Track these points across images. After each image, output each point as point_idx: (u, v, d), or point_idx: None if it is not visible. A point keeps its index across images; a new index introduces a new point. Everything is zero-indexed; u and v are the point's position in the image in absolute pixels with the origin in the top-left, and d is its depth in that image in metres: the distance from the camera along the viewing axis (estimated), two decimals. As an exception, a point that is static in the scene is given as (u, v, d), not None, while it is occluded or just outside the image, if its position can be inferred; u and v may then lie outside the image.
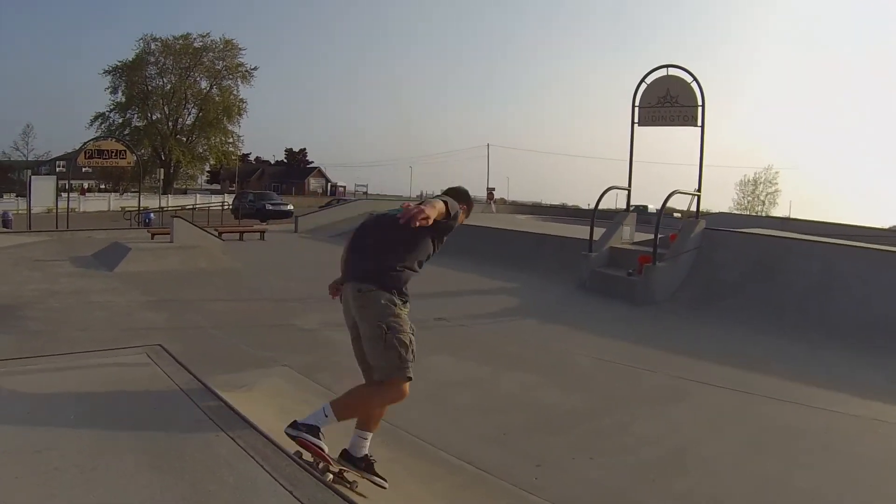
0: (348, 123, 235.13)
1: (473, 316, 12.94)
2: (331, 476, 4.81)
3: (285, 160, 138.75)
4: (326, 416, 4.93)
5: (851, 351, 11.35)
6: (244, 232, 27.21)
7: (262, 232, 27.55)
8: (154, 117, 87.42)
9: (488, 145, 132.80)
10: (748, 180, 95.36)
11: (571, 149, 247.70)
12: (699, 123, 18.75)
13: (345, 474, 5.00)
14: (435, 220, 4.70)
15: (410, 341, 5.04)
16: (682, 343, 11.63)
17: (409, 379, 5.03)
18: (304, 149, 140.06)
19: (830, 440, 7.28)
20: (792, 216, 53.81)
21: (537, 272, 18.55)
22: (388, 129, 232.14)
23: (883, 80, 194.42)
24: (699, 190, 18.37)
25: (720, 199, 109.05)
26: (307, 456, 4.85)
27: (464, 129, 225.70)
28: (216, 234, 23.74)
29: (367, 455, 5.10)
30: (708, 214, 30.16)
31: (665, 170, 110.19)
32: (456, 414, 7.45)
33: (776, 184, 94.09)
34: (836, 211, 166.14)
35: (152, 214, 43.22)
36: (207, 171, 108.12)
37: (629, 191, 19.89)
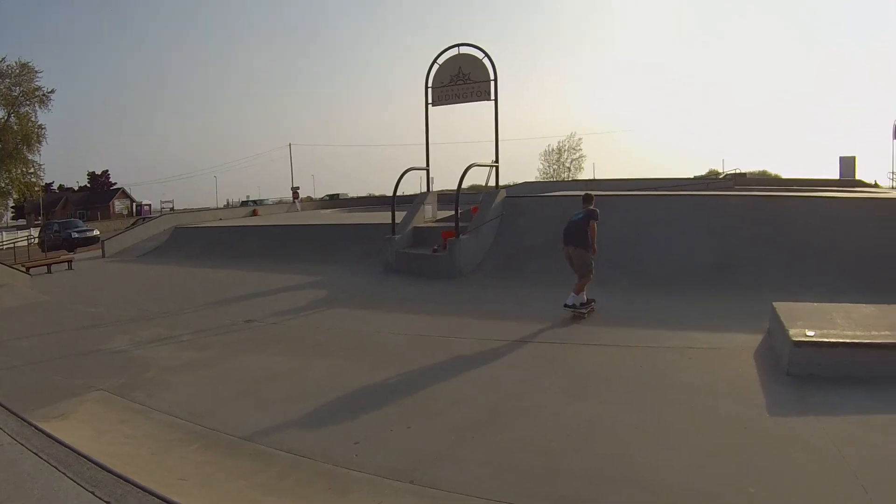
0: (150, 139, 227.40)
1: (283, 313, 13.08)
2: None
3: (88, 185, 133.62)
4: (575, 294, 11.20)
5: (659, 294, 12.33)
6: (51, 264, 26.30)
7: (69, 261, 26.68)
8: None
9: (290, 145, 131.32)
10: (552, 149, 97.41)
11: (375, 139, 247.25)
12: (492, 97, 19.41)
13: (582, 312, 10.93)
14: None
15: (592, 263, 11.36)
16: (490, 309, 12.21)
17: (591, 274, 11.36)
18: (107, 170, 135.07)
19: (647, 374, 7.87)
20: (597, 178, 55.68)
21: (343, 262, 18.97)
22: (191, 141, 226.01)
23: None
24: (497, 161, 18.93)
25: (525, 171, 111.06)
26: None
27: (266, 131, 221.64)
28: (24, 269, 22.94)
29: (584, 301, 11.31)
30: (511, 186, 30.97)
31: (460, 148, 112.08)
32: (269, 407, 7.59)
33: (580, 150, 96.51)
34: (655, 168, 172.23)
35: (-44, 258, 41.21)
36: (11, 207, 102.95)
37: (427, 170, 20.38)
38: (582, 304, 11.16)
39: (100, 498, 4.28)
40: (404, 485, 5.38)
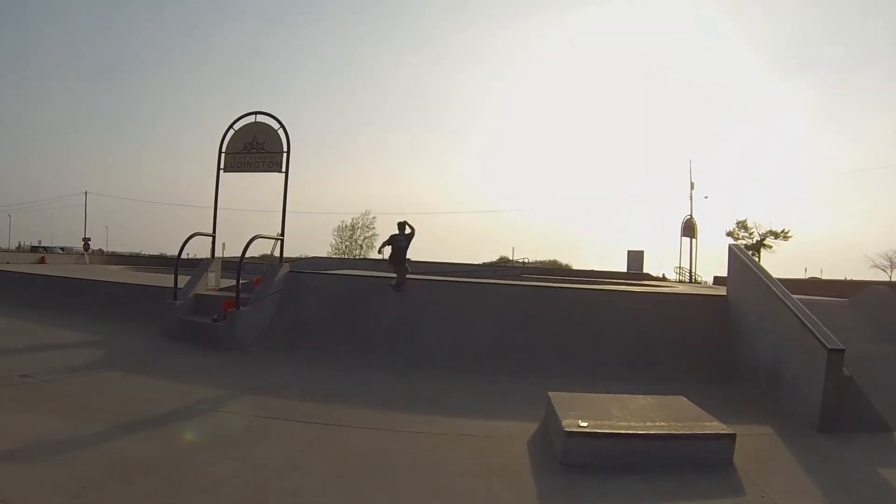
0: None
1: (58, 370, 12.40)
2: None
3: None
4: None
5: (436, 378, 12.43)
6: None
7: None
8: None
9: (86, 193, 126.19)
10: (346, 225, 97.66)
11: (172, 197, 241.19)
12: (283, 170, 19.51)
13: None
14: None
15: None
16: (267, 384, 12.02)
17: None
18: None
19: (418, 459, 7.93)
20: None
21: (124, 322, 18.16)
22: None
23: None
24: (282, 234, 18.95)
25: (318, 246, 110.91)
26: None
27: (65, 174, 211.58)
28: None
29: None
30: (302, 259, 30.93)
31: (250, 216, 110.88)
32: (35, 471, 7.18)
33: (373, 228, 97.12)
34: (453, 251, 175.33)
35: None
36: None
37: (214, 237, 20.12)
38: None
39: None
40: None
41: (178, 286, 17.99)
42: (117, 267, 41.22)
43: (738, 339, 14.00)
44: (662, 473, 7.32)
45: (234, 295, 16.45)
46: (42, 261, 42.98)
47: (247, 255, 16.81)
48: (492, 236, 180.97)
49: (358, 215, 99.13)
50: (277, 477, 7.29)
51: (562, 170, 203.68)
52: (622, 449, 7.65)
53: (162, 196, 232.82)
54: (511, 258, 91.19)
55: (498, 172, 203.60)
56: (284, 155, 19.62)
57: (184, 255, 19.08)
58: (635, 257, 53.32)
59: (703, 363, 13.58)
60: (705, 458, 7.83)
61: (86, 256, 48.58)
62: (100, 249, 62.55)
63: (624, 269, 52.57)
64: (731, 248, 15.66)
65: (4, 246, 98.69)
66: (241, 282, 16.66)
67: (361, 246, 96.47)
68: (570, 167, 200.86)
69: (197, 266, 20.26)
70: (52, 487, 6.60)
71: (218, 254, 21.13)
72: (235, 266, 17.27)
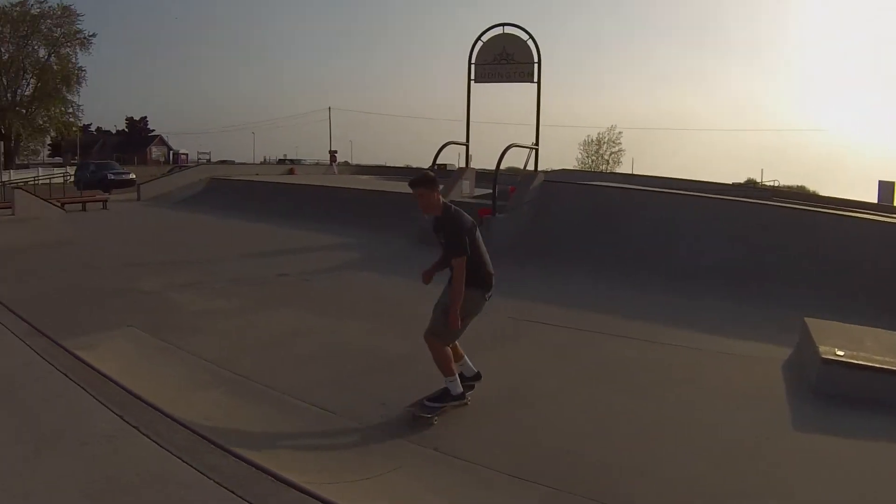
0: (191, 90, 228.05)
1: (315, 271, 13.16)
2: None
3: (126, 129, 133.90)
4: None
5: (685, 292, 12.02)
6: (87, 202, 26.45)
7: (105, 201, 26.83)
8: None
9: (330, 108, 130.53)
10: (592, 140, 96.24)
11: (415, 111, 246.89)
12: (535, 79, 19.42)
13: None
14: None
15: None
16: (521, 289, 11.96)
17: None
18: (146, 117, 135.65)
19: (674, 370, 7.80)
20: (636, 173, 55.06)
21: (377, 228, 18.79)
22: (232, 96, 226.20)
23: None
24: (536, 144, 18.92)
25: (564, 159, 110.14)
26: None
27: (307, 92, 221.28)
28: (59, 205, 23.16)
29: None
30: (549, 172, 30.85)
31: (502, 129, 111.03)
32: (298, 361, 7.67)
33: (619, 143, 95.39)
34: (692, 171, 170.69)
35: (-8, 189, 41.52)
36: (49, 144, 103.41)
37: (467, 146, 20.36)
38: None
39: (127, 422, 4.33)
40: (427, 451, 5.41)
41: (432, 193, 18.13)
42: (365, 177, 42.41)
43: None
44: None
45: (489, 203, 16.51)
46: (291, 172, 44.14)
47: (488, 166, 16.81)
48: (740, 156, 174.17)
49: (604, 130, 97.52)
50: (534, 377, 7.38)
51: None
52: (877, 384, 7.20)
53: (402, 110, 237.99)
54: (759, 180, 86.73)
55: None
56: (535, 66, 19.51)
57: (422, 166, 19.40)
58: (886, 188, 48.52)
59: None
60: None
61: (334, 167, 49.70)
62: (345, 161, 64.12)
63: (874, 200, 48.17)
64: None
65: (249, 160, 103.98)
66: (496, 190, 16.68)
67: (608, 161, 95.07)
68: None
69: (448, 176, 20.59)
70: (317, 382, 6.96)
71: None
72: (483, 177, 17.35)
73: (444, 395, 6.37)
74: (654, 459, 5.40)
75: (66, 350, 5.98)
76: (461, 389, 6.48)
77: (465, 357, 6.77)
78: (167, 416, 4.60)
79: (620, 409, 6.52)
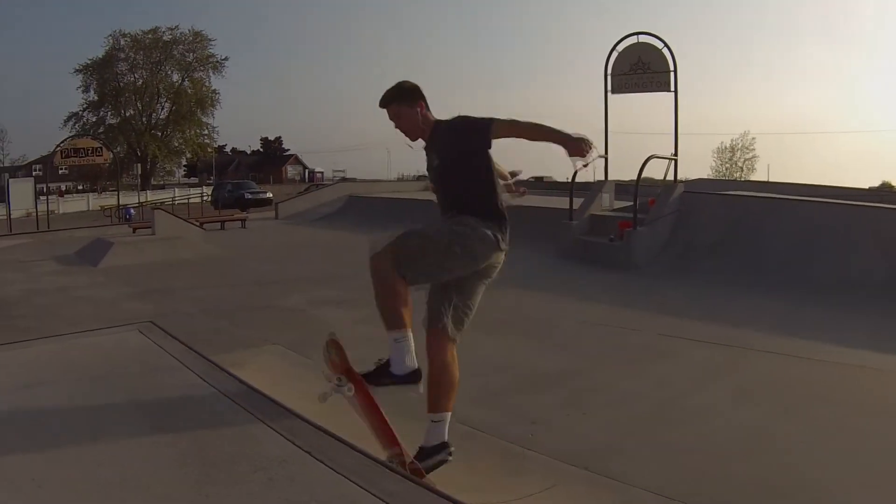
0: (324, 109, 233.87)
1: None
2: None
3: (261, 149, 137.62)
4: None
5: (833, 306, 11.40)
6: (225, 221, 27.18)
7: (243, 220, 27.52)
8: (128, 113, 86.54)
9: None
10: (725, 147, 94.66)
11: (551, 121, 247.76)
12: (672, 88, 19.08)
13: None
14: None
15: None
16: (666, 304, 11.73)
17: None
18: (280, 137, 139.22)
19: (817, 389, 7.34)
20: (771, 180, 53.65)
21: (518, 241, 18.48)
22: (364, 114, 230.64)
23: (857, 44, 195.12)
24: (675, 154, 18.48)
25: (698, 167, 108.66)
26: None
27: (440, 110, 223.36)
28: (197, 224, 23.80)
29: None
30: (686, 181, 30.29)
31: (637, 139, 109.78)
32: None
33: (753, 150, 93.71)
34: (824, 175, 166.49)
35: (132, 210, 43.13)
36: (184, 165, 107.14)
37: (606, 158, 19.94)
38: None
39: (299, 447, 4.22)
40: (579, 470, 5.22)
41: (573, 207, 18.16)
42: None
43: None
44: None
45: (630, 216, 16.26)
46: (429, 188, 43.86)
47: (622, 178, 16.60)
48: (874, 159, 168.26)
49: (737, 136, 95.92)
50: (681, 397, 7.07)
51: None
52: None
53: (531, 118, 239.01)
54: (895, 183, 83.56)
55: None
56: (672, 74, 19.16)
57: (565, 179, 19.27)
58: None
59: None
60: None
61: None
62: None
63: None
64: None
65: (384, 177, 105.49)
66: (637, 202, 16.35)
67: (741, 168, 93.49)
68: None
69: (587, 189, 20.29)
70: (468, 398, 6.81)
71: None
72: (620, 189, 17.13)
73: (381, 374, 4.84)
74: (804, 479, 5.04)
75: (222, 368, 5.93)
76: (415, 365, 4.81)
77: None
78: (337, 439, 4.45)
79: (770, 428, 6.15)
